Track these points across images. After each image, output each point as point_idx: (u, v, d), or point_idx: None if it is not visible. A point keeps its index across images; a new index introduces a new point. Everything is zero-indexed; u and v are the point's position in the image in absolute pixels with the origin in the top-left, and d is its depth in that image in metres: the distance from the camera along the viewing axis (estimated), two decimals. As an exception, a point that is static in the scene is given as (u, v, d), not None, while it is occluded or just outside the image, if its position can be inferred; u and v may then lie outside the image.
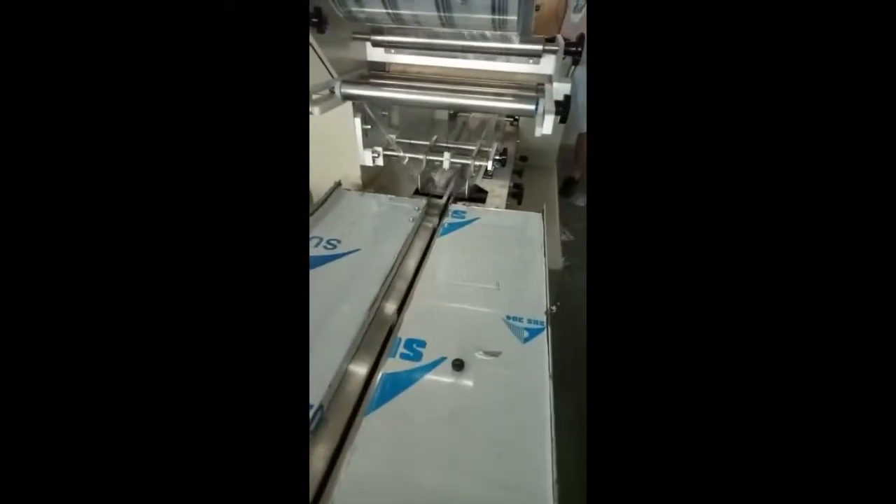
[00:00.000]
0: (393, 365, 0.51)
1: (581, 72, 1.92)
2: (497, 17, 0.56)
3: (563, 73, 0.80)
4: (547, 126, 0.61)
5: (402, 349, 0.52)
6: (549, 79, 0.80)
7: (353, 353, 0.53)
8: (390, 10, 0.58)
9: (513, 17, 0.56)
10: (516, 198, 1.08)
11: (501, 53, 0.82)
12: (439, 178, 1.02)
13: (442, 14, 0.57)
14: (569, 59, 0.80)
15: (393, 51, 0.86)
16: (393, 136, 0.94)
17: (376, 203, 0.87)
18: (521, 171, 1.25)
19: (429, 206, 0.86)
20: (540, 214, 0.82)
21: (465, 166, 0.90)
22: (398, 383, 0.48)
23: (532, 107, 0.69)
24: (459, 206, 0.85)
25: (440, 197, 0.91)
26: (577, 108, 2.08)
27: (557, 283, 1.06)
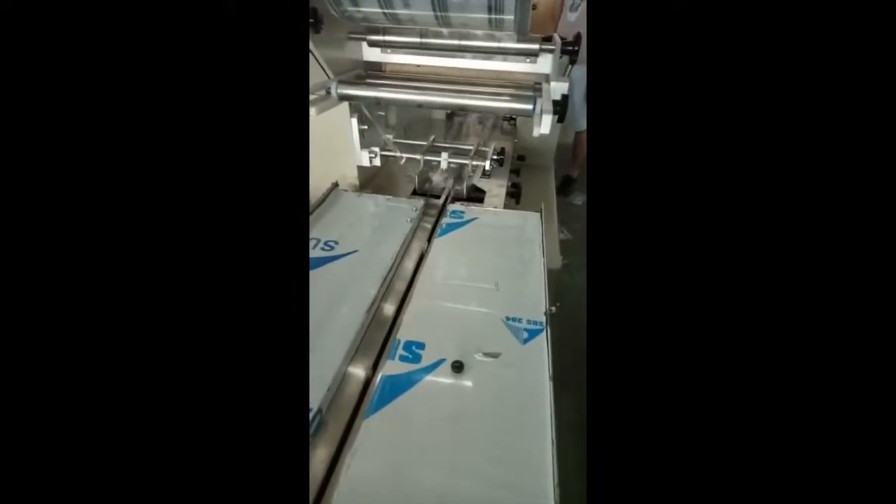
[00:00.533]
0: (392, 367, 0.50)
1: (578, 70, 1.93)
2: (494, 16, 0.56)
3: (561, 73, 0.79)
4: (545, 126, 0.61)
5: (401, 351, 0.52)
6: (547, 78, 0.79)
7: (352, 356, 0.53)
8: (386, 10, 0.58)
9: (509, 17, 0.56)
10: (514, 197, 1.07)
11: (498, 53, 0.81)
12: (437, 178, 1.02)
13: (438, 14, 0.56)
14: (566, 58, 0.80)
15: (389, 51, 0.86)
16: (390, 137, 0.93)
17: (374, 204, 0.87)
18: (519, 170, 1.24)
19: (427, 206, 0.86)
20: (538, 214, 0.82)
21: (462, 166, 0.90)
22: (397, 386, 0.48)
23: (529, 106, 0.68)
24: (457, 206, 0.85)
25: (438, 197, 0.90)
26: (573, 107, 2.08)
27: (556, 283, 1.06)
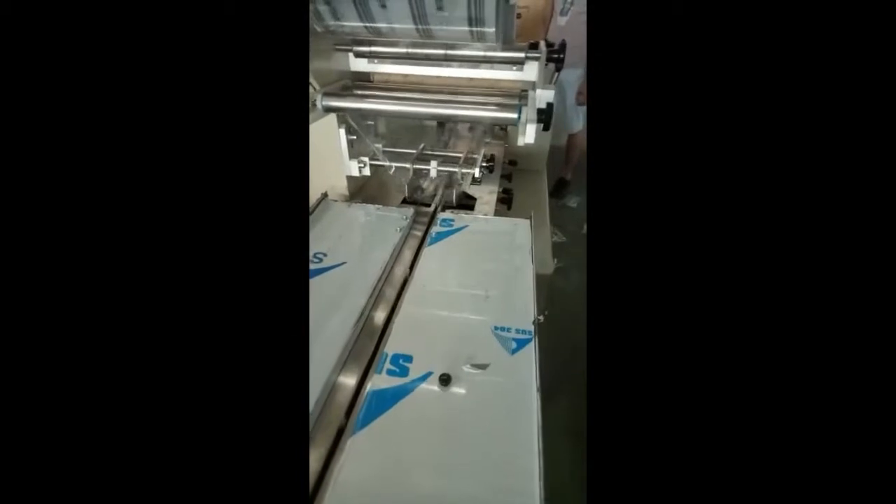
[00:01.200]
0: (379, 381, 0.50)
1: (569, 73, 1.93)
2: (475, 28, 0.56)
3: (547, 80, 0.80)
4: (529, 135, 0.61)
5: (388, 365, 0.52)
6: (534, 85, 0.80)
7: (339, 371, 0.53)
8: (368, 24, 0.58)
9: (490, 29, 0.56)
10: (506, 203, 1.07)
11: (484, 62, 0.82)
12: (427, 186, 1.02)
13: (419, 27, 0.56)
14: (552, 65, 0.80)
15: (376, 61, 0.86)
16: (379, 146, 0.93)
17: (363, 214, 0.87)
18: (511, 175, 1.24)
19: (417, 214, 0.86)
20: (528, 221, 0.82)
21: (453, 173, 0.90)
22: (384, 401, 0.48)
23: (515, 115, 0.69)
24: (448, 215, 0.85)
25: (428, 205, 0.90)
26: (566, 110, 2.08)
27: (548, 288, 1.06)
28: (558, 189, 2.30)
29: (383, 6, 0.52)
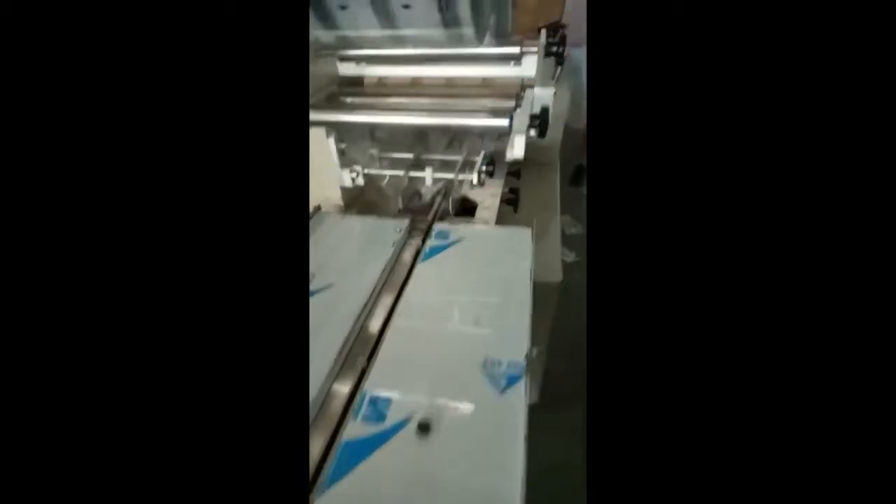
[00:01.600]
0: (354, 430, 0.47)
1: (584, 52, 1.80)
2: (452, 30, 0.50)
3: (549, 75, 0.72)
4: (518, 149, 0.55)
5: (365, 410, 0.48)
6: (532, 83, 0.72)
7: (315, 413, 0.49)
8: (336, 33, 0.53)
9: (469, 30, 0.49)
10: (512, 204, 1.01)
11: (477, 59, 0.75)
12: (425, 192, 0.96)
13: (389, 32, 0.51)
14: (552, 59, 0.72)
15: (364, 63, 0.80)
16: (374, 152, 0.88)
17: (356, 226, 0.83)
18: (519, 171, 1.17)
19: (414, 222, 0.81)
20: (529, 230, 0.76)
21: (451, 180, 0.84)
22: (357, 452, 0.44)
23: (506, 122, 0.62)
24: (444, 226, 0.80)
25: (427, 213, 0.85)
26: (585, 90, 1.96)
27: (557, 294, 0.99)
28: (577, 176, 2.19)
29: (343, 7, 0.46)
